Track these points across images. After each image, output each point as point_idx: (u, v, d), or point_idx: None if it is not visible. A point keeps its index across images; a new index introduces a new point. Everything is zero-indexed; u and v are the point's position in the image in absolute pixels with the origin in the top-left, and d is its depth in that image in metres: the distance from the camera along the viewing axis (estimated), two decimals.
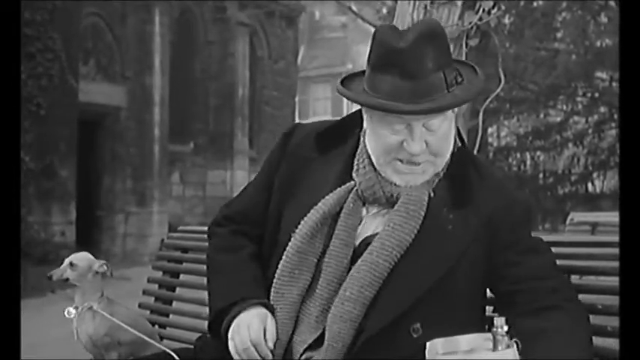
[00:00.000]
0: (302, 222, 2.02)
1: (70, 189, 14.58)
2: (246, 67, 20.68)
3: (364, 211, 2.06)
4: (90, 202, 16.19)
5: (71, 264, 2.86)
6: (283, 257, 2.02)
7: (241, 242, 2.17)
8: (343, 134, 2.13)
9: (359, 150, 2.08)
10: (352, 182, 2.05)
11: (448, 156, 2.04)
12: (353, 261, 1.99)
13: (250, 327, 1.97)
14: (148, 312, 3.51)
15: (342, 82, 2.09)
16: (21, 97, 12.80)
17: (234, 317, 2.01)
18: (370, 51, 1.97)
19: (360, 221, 2.05)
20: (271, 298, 2.02)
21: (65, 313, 2.87)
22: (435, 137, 1.96)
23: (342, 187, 2.05)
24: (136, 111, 17.06)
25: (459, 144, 2.11)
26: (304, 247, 2.01)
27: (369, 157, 2.04)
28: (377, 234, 2.01)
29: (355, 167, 2.06)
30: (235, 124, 20.17)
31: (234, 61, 20.17)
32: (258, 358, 1.96)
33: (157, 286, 3.58)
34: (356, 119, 2.14)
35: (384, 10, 17.84)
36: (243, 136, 20.42)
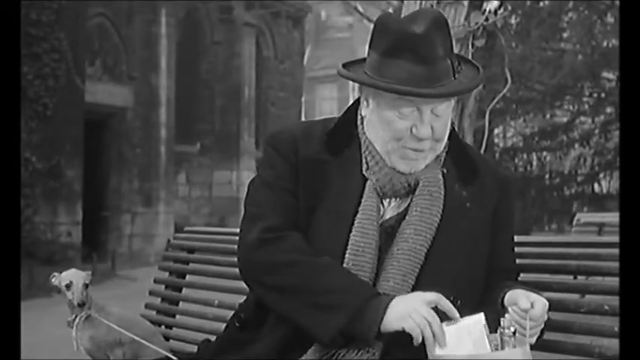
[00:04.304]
0: (357, 243, 1.99)
1: (77, 189, 14.61)
2: (253, 68, 20.71)
3: (381, 206, 2.06)
4: (96, 203, 16.22)
5: (86, 285, 2.88)
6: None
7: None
8: (349, 133, 2.12)
9: (364, 147, 2.08)
10: (369, 182, 2.05)
11: (446, 140, 2.09)
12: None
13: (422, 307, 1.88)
14: (154, 312, 3.51)
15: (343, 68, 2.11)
16: (27, 98, 12.85)
17: (386, 306, 1.89)
18: (374, 37, 2.00)
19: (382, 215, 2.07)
20: None
21: (67, 324, 2.91)
22: (440, 122, 2.01)
23: (367, 191, 2.04)
24: (142, 111, 17.10)
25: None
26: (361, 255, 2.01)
27: (377, 152, 2.04)
28: (393, 218, 2.04)
29: (365, 165, 2.06)
30: (241, 124, 20.19)
31: (240, 62, 20.19)
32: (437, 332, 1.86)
33: (163, 286, 3.58)
34: (353, 116, 2.14)
35: (390, 10, 17.83)
36: (249, 136, 20.44)
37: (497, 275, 2.06)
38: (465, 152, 2.15)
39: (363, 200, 2.02)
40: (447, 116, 2.03)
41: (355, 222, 2.00)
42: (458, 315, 1.84)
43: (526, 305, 1.86)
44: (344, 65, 2.12)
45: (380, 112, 2.01)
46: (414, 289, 1.97)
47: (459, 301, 1.97)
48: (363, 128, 2.08)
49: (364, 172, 2.05)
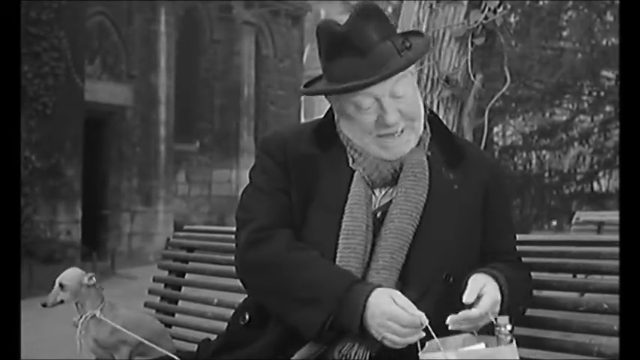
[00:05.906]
0: (347, 228, 2.02)
1: (76, 188, 14.61)
2: (252, 66, 20.71)
3: (373, 196, 2.10)
4: (96, 201, 16.22)
5: (61, 285, 2.86)
6: (339, 258, 2.01)
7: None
8: (332, 131, 2.16)
9: (345, 143, 2.12)
10: (357, 173, 2.08)
11: (423, 118, 2.12)
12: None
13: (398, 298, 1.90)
14: (154, 311, 3.51)
15: (305, 87, 2.19)
16: (27, 97, 12.85)
17: (369, 293, 1.90)
18: (319, 46, 2.05)
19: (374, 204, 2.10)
20: None
21: (73, 324, 2.90)
22: (405, 102, 2.03)
23: (355, 181, 2.08)
24: (141, 110, 17.10)
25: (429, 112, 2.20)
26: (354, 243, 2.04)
27: (358, 145, 2.08)
28: (385, 205, 2.07)
29: (350, 159, 2.10)
30: (241, 123, 20.20)
31: (239, 60, 20.20)
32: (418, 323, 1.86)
33: (162, 285, 3.59)
34: (332, 116, 2.19)
35: (390, 10, 17.81)
36: (248, 135, 20.44)
37: (488, 257, 2.08)
38: (450, 137, 2.20)
39: (351, 188, 2.06)
40: (410, 94, 2.05)
41: (345, 209, 2.04)
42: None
43: (469, 300, 1.87)
44: (309, 82, 2.20)
45: (344, 112, 2.07)
46: (404, 266, 2.00)
47: (451, 278, 2.01)
48: (339, 127, 2.13)
49: (351, 165, 2.10)
